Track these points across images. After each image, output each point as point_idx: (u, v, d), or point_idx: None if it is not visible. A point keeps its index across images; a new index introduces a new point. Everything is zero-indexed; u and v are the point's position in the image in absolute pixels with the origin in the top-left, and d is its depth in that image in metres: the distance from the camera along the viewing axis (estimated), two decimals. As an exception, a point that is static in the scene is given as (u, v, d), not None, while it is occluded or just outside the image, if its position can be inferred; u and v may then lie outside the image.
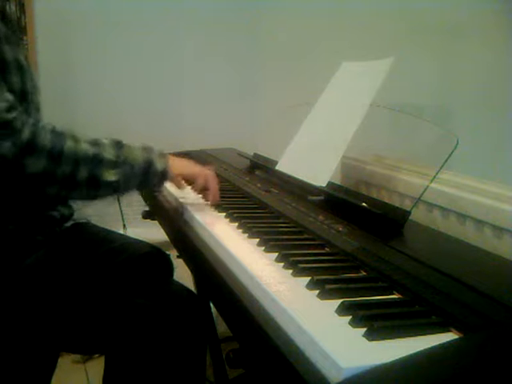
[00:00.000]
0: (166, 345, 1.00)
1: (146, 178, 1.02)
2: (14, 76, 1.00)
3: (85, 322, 1.02)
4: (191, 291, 1.12)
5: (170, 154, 1.10)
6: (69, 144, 0.93)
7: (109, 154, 0.97)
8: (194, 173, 1.11)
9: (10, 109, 0.90)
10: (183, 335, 1.02)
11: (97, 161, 0.95)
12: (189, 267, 1.07)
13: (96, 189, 0.97)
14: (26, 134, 0.89)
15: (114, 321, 1.01)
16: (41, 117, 1.10)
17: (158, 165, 1.03)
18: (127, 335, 1.00)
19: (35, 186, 0.93)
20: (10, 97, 0.93)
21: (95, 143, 0.97)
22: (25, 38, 2.24)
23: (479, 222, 1.07)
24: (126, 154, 0.99)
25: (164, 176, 1.05)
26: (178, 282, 1.18)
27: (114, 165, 0.97)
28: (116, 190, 1.00)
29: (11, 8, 2.20)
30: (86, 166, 0.94)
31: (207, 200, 1.17)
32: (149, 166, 1.01)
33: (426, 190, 1.00)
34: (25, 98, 1.01)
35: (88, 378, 1.84)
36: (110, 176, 0.96)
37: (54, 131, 0.93)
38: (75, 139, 0.95)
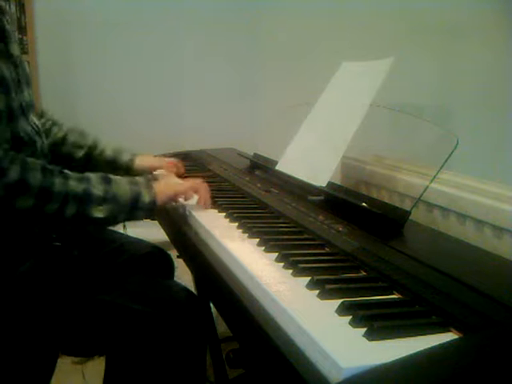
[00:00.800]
0: (167, 345, 1.00)
1: (133, 212, 1.02)
2: None
3: (85, 324, 1.02)
4: (191, 292, 1.12)
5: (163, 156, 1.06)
6: (58, 182, 0.92)
7: (97, 190, 0.97)
8: (181, 192, 1.11)
9: None
10: (183, 336, 1.02)
11: (85, 198, 0.95)
12: (189, 267, 1.07)
13: (83, 224, 0.98)
14: (13, 173, 0.88)
15: (114, 322, 1.01)
16: (33, 115, 1.09)
17: (146, 197, 1.02)
18: (128, 336, 1.00)
19: (23, 221, 0.92)
20: None
21: (83, 179, 0.97)
22: (25, 37, 2.25)
23: (479, 222, 1.07)
24: (115, 189, 0.99)
25: (152, 207, 1.04)
26: (177, 283, 1.17)
27: (103, 201, 0.97)
28: (103, 224, 1.01)
29: (11, 8, 2.20)
30: (75, 203, 0.94)
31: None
32: (137, 199, 1.01)
33: (426, 189, 1.00)
34: (12, 114, 0.99)
35: (86, 379, 1.83)
36: (98, 212, 0.96)
37: (43, 169, 0.92)
38: (64, 177, 0.94)
